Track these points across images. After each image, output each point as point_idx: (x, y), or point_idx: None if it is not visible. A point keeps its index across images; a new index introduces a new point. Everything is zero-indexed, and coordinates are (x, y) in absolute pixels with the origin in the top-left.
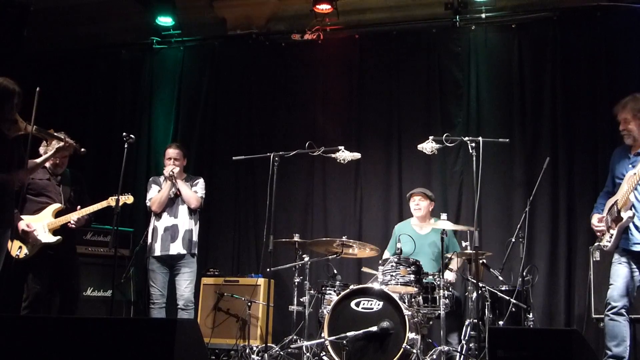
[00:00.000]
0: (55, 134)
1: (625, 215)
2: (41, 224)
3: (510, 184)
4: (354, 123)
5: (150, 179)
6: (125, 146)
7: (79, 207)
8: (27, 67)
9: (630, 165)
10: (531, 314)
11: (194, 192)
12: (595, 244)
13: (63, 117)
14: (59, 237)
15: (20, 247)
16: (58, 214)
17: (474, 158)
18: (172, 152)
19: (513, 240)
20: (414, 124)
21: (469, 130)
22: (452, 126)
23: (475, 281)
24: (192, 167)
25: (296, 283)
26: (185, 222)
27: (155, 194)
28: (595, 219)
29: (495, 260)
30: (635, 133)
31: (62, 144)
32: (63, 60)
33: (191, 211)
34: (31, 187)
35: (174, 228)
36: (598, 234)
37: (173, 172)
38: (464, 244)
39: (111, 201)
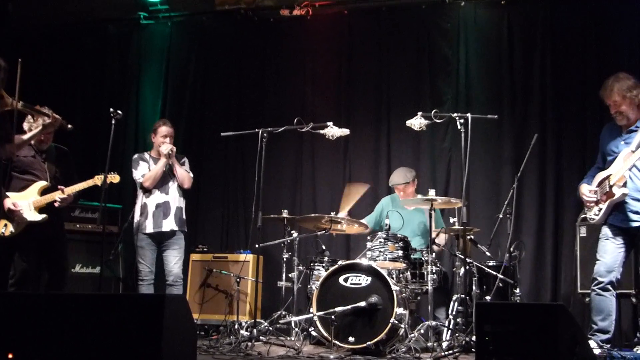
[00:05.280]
0: (41, 109)
1: (618, 191)
2: (27, 202)
3: (499, 161)
4: (343, 99)
5: (136, 156)
6: (113, 122)
7: (60, 187)
8: (13, 42)
9: (623, 142)
10: (518, 289)
11: (186, 171)
12: (581, 215)
13: (49, 93)
14: (44, 216)
15: (5, 225)
16: (44, 192)
17: (463, 134)
18: (168, 130)
19: (501, 216)
20: (403, 100)
21: (457, 106)
22: (441, 102)
23: (462, 257)
24: (180, 144)
25: (285, 259)
26: (176, 199)
27: (148, 171)
28: (585, 189)
29: (483, 236)
30: (629, 113)
31: (49, 120)
32: (49, 35)
33: (181, 188)
34: (16, 165)
35: (166, 205)
36: (587, 204)
37: (172, 151)
38: (451, 219)
39: (97, 180)
